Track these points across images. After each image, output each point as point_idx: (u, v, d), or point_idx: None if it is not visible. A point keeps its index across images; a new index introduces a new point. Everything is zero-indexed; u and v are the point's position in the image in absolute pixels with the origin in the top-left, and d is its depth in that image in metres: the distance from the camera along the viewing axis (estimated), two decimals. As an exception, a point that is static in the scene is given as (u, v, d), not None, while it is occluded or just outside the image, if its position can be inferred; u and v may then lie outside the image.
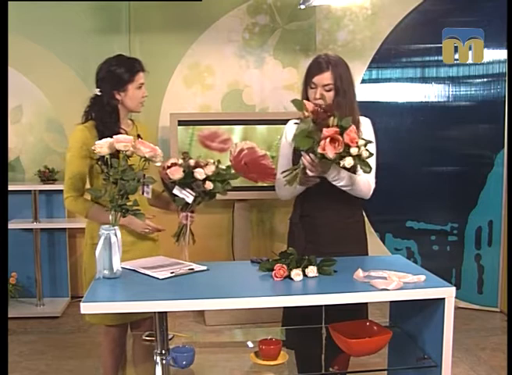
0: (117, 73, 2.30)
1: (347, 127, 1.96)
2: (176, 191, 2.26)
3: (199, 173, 2.21)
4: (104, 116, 2.31)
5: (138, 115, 2.52)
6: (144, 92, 2.38)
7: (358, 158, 1.96)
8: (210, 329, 3.81)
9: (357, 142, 1.95)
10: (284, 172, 2.14)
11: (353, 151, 1.94)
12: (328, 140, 1.93)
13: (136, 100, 2.35)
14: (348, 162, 1.95)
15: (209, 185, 2.23)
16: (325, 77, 2.24)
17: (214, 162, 2.30)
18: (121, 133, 2.24)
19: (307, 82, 2.30)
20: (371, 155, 1.99)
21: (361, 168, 2.00)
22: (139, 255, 2.23)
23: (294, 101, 2.09)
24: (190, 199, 2.26)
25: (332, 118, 1.97)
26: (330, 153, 1.93)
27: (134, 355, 2.44)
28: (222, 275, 2.02)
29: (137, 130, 2.43)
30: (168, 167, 2.23)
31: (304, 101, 2.12)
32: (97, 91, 2.34)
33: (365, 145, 1.97)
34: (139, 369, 2.43)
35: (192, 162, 2.26)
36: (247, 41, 4.35)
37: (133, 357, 2.45)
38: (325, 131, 1.94)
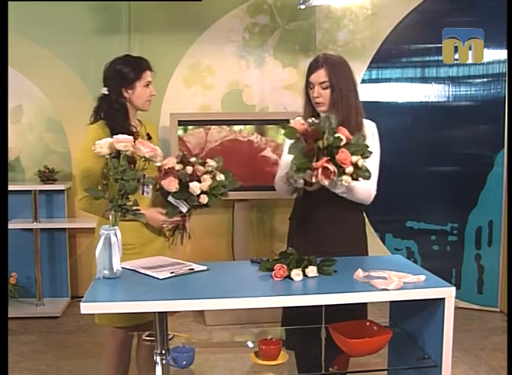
0: (125, 71, 2.30)
1: (338, 146, 1.93)
2: (171, 199, 2.25)
3: (194, 188, 2.19)
4: (113, 114, 2.30)
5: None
6: (152, 91, 2.38)
7: (357, 168, 1.95)
8: (210, 329, 3.81)
9: (350, 161, 1.93)
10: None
11: (349, 170, 1.93)
12: (320, 170, 1.92)
13: (143, 98, 2.35)
14: (345, 180, 1.94)
15: (204, 199, 2.22)
16: (320, 75, 2.25)
17: (211, 172, 2.27)
18: (132, 131, 2.26)
19: (306, 83, 2.31)
20: (368, 155, 1.98)
21: (361, 176, 1.98)
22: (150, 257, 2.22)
23: (285, 129, 2.03)
24: (184, 209, 2.26)
25: (321, 140, 1.94)
26: (326, 181, 1.93)
27: (138, 355, 2.44)
28: (222, 275, 2.01)
29: (146, 130, 2.43)
30: (166, 172, 2.21)
31: (293, 123, 2.04)
32: (104, 90, 2.33)
33: (362, 155, 1.95)
34: (142, 370, 2.43)
35: (189, 170, 2.22)
36: (247, 41, 4.35)
37: (137, 358, 2.45)
38: (315, 165, 1.92)
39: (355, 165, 1.94)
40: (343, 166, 1.92)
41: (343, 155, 1.92)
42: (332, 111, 2.27)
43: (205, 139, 4.05)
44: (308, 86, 2.30)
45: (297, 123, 2.01)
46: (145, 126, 2.46)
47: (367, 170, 1.98)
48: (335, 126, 1.98)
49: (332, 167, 1.91)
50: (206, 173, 2.25)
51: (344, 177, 1.93)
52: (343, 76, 2.27)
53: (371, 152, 2.01)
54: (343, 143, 1.94)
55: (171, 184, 2.19)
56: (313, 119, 2.02)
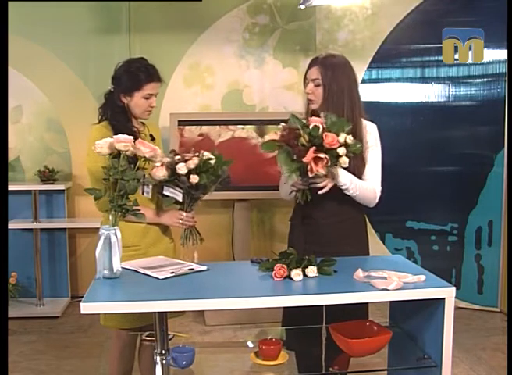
0: (127, 77, 2.29)
1: (319, 135, 1.94)
2: (165, 190, 2.24)
3: (180, 168, 2.17)
4: (116, 114, 2.30)
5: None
6: (152, 102, 2.33)
7: (347, 146, 1.97)
8: (210, 329, 3.81)
9: (338, 141, 1.96)
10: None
11: (341, 150, 1.95)
12: (312, 163, 1.92)
13: (141, 108, 2.32)
14: (343, 161, 1.97)
15: (194, 178, 2.18)
16: (313, 72, 2.28)
17: (198, 154, 2.23)
18: (134, 132, 2.25)
19: (304, 79, 2.35)
20: (349, 125, 2.02)
21: (354, 151, 2.00)
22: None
23: (263, 145, 2.06)
24: (179, 197, 2.23)
25: (301, 137, 1.96)
26: (322, 171, 1.95)
27: (140, 356, 2.43)
28: (222, 275, 2.01)
29: (149, 131, 2.42)
30: (156, 167, 2.21)
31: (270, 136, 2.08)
32: (110, 87, 2.33)
33: (347, 133, 1.98)
34: (145, 371, 2.42)
35: (176, 158, 2.21)
36: (247, 41, 4.36)
37: (139, 359, 2.44)
38: (305, 159, 1.93)
39: (345, 144, 1.96)
40: (333, 147, 1.93)
41: (329, 138, 1.94)
42: (323, 109, 2.27)
43: (179, 138, 4.02)
44: (304, 81, 2.33)
45: (271, 134, 2.06)
46: (148, 127, 2.45)
47: (356, 143, 2.01)
48: (302, 119, 2.02)
49: (322, 154, 1.92)
50: (193, 157, 2.22)
51: (341, 160, 1.96)
52: (337, 76, 2.24)
53: (349, 124, 2.03)
54: (321, 130, 1.96)
55: (158, 171, 2.17)
56: (282, 123, 2.05)
